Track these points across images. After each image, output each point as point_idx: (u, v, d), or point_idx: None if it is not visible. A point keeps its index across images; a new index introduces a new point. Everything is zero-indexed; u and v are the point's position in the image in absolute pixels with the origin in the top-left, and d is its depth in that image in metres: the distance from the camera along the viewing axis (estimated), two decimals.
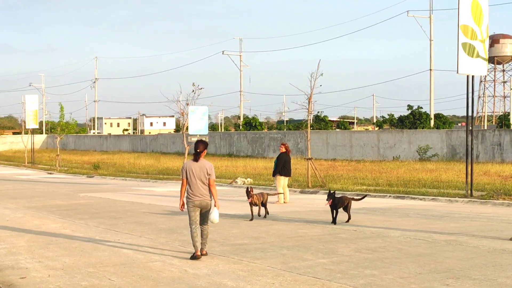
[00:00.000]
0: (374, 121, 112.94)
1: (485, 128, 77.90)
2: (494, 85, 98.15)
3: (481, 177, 27.34)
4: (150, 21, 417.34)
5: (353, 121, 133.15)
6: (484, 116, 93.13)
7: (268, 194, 17.06)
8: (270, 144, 56.16)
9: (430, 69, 64.45)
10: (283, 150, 20.86)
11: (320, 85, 26.63)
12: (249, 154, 57.29)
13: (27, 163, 53.51)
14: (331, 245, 12.24)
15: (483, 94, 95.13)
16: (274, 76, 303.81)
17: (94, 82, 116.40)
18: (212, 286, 9.07)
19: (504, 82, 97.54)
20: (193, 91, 32.18)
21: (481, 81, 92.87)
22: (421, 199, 21.46)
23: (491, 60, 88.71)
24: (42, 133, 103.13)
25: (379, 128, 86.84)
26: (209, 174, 11.06)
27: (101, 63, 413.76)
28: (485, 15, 21.89)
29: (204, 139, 16.45)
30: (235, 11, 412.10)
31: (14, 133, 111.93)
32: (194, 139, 31.30)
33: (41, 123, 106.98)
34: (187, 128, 33.31)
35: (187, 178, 11.08)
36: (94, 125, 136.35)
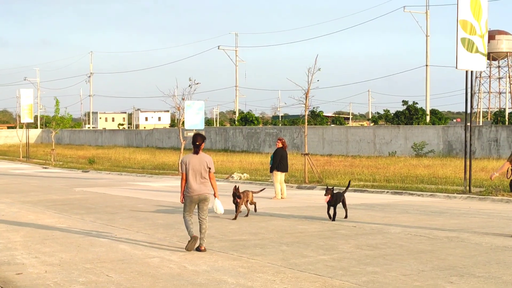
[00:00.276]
0: (370, 117, 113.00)
1: (481, 124, 77.93)
2: (490, 81, 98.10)
3: (478, 173, 27.25)
4: (146, 15, 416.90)
5: (348, 116, 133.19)
6: (480, 112, 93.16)
7: (253, 192, 16.44)
8: (266, 139, 56.02)
9: (426, 65, 64.44)
10: (280, 145, 20.70)
11: (318, 80, 26.57)
12: (244, 149, 57.14)
13: (22, 157, 53.20)
14: (331, 241, 12.11)
15: (479, 90, 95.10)
16: (269, 72, 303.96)
17: (89, 76, 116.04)
18: (212, 283, 8.92)
19: (500, 78, 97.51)
20: (190, 86, 32.11)
21: (476, 77, 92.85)
22: (419, 195, 21.34)
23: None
24: (37, 128, 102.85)
25: (374, 124, 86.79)
26: (209, 167, 11.16)
27: (96, 57, 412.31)
28: (484, 10, 21.79)
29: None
30: (231, 5, 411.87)
31: (8, 127, 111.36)
32: (190, 134, 31.19)
33: (36, 117, 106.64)
34: (183, 123, 33.16)
35: (186, 172, 11.00)
36: (89, 119, 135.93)
